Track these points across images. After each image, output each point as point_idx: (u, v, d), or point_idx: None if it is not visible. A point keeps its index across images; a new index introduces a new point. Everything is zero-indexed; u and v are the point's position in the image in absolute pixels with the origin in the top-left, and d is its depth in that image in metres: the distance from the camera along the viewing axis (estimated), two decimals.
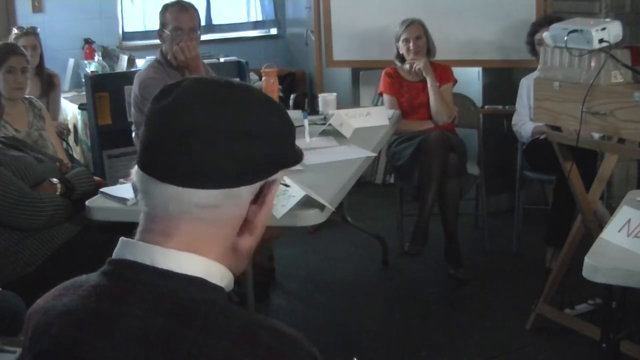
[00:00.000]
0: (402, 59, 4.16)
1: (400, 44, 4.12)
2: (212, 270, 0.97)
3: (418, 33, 4.09)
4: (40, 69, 4.57)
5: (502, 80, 4.66)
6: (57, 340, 0.95)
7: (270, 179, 0.99)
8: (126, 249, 0.98)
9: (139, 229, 0.99)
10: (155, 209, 0.96)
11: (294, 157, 1.03)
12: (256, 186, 0.98)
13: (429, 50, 4.14)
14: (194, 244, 0.97)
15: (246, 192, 0.97)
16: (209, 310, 0.92)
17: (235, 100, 0.97)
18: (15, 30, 4.65)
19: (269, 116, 0.99)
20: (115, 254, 0.99)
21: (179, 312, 0.92)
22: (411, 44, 4.07)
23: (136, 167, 0.98)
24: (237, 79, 1.06)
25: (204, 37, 4.15)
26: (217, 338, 0.90)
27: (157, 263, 0.95)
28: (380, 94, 4.25)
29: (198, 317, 0.91)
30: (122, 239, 0.99)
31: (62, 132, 4.50)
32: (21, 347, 1.03)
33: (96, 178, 3.06)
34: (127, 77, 4.36)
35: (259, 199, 0.99)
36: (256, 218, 1.00)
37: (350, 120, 3.51)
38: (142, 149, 0.97)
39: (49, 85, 4.62)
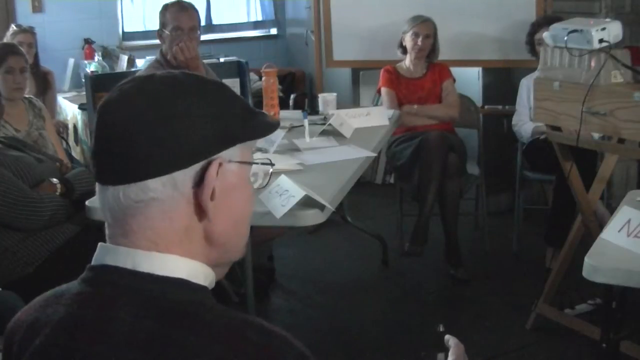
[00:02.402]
0: (404, 50, 4.15)
1: (408, 36, 4.10)
2: (195, 271, 0.96)
3: (428, 32, 4.08)
4: (35, 68, 4.56)
5: (502, 80, 4.66)
6: (44, 350, 0.94)
7: (214, 157, 0.94)
8: (106, 254, 0.96)
9: (107, 235, 0.99)
10: (107, 213, 0.96)
11: (248, 131, 0.98)
12: (196, 168, 0.93)
13: (433, 52, 4.14)
14: (155, 240, 0.94)
15: (182, 176, 0.92)
16: (197, 311, 0.92)
17: (155, 87, 0.96)
18: (13, 27, 4.64)
19: (196, 95, 0.95)
20: (95, 260, 0.97)
21: (166, 314, 0.91)
22: (419, 40, 4.06)
23: None
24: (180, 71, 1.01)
25: (204, 37, 4.15)
26: (207, 339, 0.89)
27: (139, 267, 0.94)
28: (379, 91, 4.24)
29: (186, 318, 0.91)
30: (101, 244, 0.98)
31: (60, 130, 4.49)
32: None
33: None
34: (127, 77, 4.34)
35: (201, 180, 0.94)
36: (202, 201, 0.94)
37: (350, 120, 3.51)
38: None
39: (44, 83, 4.62)
